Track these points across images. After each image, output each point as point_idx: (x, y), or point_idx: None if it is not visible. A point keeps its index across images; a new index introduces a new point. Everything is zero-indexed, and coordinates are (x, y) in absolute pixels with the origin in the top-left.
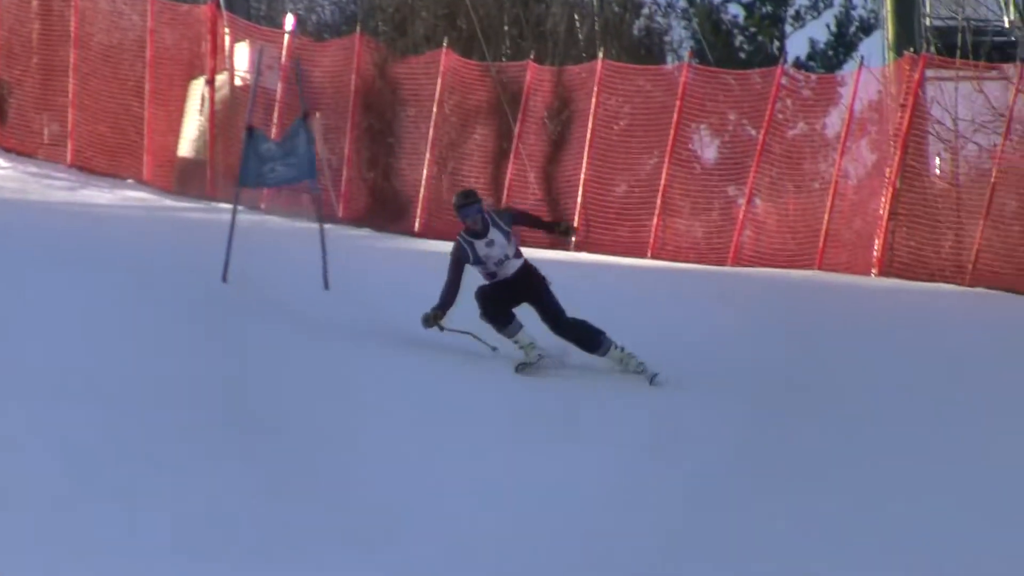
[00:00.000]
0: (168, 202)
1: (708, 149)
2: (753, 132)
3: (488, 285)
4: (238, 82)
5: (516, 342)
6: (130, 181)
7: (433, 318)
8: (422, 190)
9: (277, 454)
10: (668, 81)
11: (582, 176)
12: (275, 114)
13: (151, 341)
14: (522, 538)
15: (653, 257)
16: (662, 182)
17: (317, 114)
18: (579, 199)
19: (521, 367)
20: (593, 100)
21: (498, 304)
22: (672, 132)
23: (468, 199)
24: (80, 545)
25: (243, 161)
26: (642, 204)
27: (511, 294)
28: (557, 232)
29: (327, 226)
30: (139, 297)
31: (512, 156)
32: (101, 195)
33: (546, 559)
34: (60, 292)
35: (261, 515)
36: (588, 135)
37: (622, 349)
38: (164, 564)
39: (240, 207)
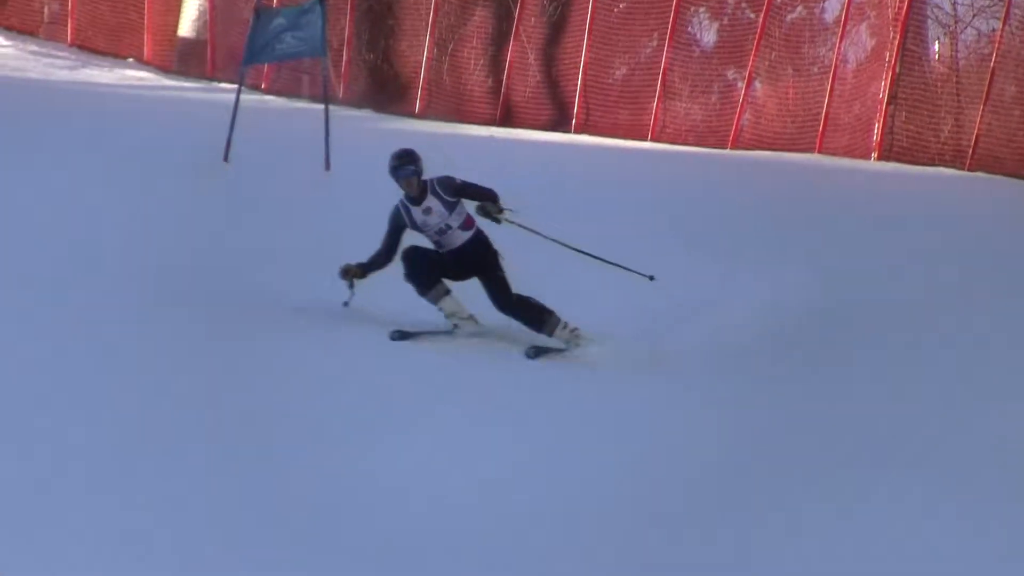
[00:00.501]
0: (168, 82)
1: (707, 32)
2: (752, 16)
3: (433, 252)
4: None
5: (441, 309)
6: (130, 61)
7: (351, 272)
8: (423, 72)
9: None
10: None
11: (582, 59)
12: None
13: (152, 222)
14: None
15: (653, 140)
16: (662, 65)
17: None
18: (579, 82)
19: (397, 334)
20: None
21: (424, 267)
22: (672, 15)
23: (400, 161)
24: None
25: (249, 41)
26: (642, 87)
27: (457, 267)
28: (482, 211)
29: (328, 107)
30: (141, 177)
31: (512, 38)
32: (101, 75)
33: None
34: (60, 172)
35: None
36: (588, 17)
37: (573, 330)
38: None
39: (241, 87)
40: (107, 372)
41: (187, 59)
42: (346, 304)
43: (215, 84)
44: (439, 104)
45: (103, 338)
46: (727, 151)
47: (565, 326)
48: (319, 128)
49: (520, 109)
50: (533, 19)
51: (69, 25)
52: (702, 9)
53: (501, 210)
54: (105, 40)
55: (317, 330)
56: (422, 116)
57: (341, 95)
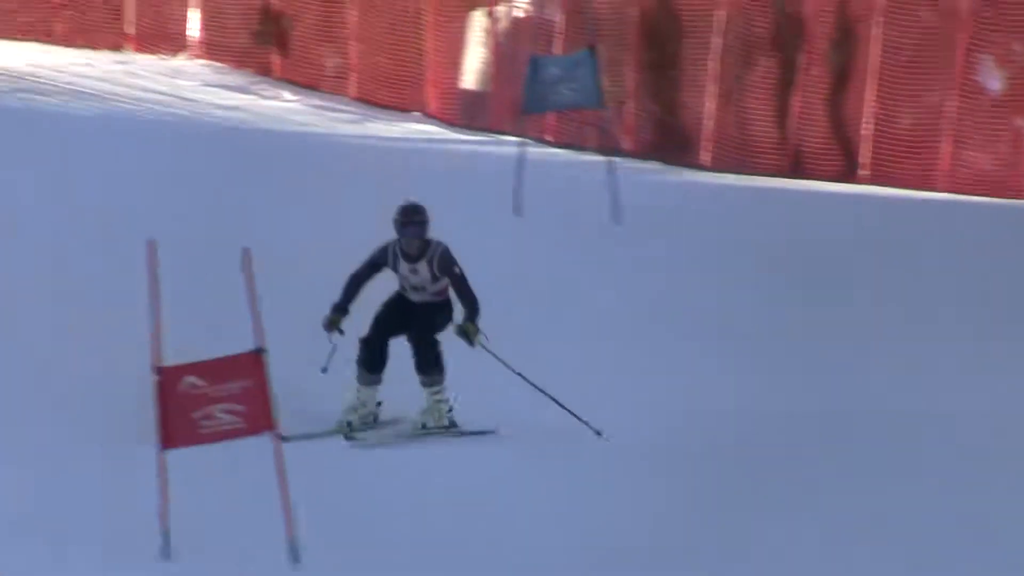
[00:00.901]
0: (453, 135)
1: (994, 79)
2: None
3: (397, 299)
4: (519, 13)
5: (358, 391)
6: (415, 114)
7: (330, 323)
8: (708, 123)
9: None
10: (951, 9)
11: (869, 107)
12: (556, 46)
13: None
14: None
15: (943, 190)
16: (949, 113)
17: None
18: (866, 131)
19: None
20: (877, 30)
21: (379, 346)
22: (958, 62)
23: (408, 218)
24: None
25: (526, 89)
26: (930, 136)
27: (401, 316)
28: (459, 331)
29: (613, 159)
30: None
31: (797, 88)
32: (386, 128)
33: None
34: (345, 223)
35: None
36: (873, 66)
37: (440, 401)
38: None
39: (526, 139)
40: None
41: (472, 111)
42: (325, 370)
43: (500, 136)
44: (725, 155)
45: None
46: (1020, 202)
47: (438, 392)
48: (606, 180)
49: (807, 159)
50: (817, 68)
51: (352, 79)
52: (989, 56)
53: (478, 332)
54: (389, 93)
55: None
56: (709, 167)
57: (627, 147)
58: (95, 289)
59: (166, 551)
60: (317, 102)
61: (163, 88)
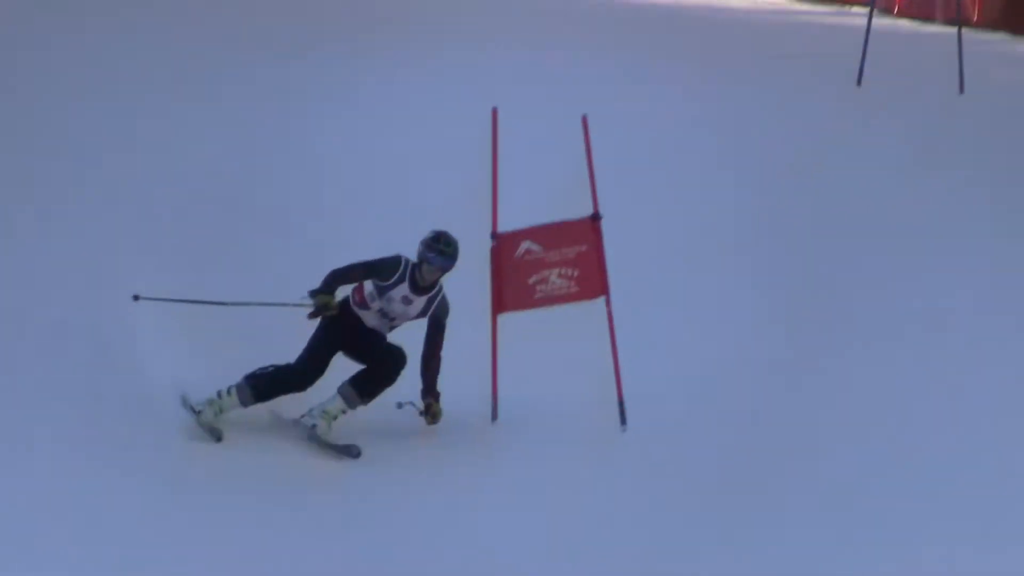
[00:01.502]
0: (799, 6)
1: None
2: None
3: (353, 321)
4: None
5: (228, 393)
6: None
7: (325, 306)
8: None
9: None
10: None
11: None
12: None
13: (784, 146)
14: None
15: None
16: None
17: None
18: None
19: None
20: None
21: (321, 356)
22: None
23: (444, 247)
24: None
25: None
26: None
27: (350, 339)
28: (422, 405)
29: (961, 29)
30: (774, 99)
31: None
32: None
33: None
34: (683, 94)
35: None
36: None
37: (336, 416)
38: None
39: (874, 10)
40: None
41: None
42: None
43: (846, 8)
44: None
45: None
46: None
47: (341, 413)
48: (952, 52)
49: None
50: None
51: None
52: None
53: (440, 412)
54: None
55: None
56: None
57: (975, 18)
58: None
59: (494, 412)
60: None
61: None
